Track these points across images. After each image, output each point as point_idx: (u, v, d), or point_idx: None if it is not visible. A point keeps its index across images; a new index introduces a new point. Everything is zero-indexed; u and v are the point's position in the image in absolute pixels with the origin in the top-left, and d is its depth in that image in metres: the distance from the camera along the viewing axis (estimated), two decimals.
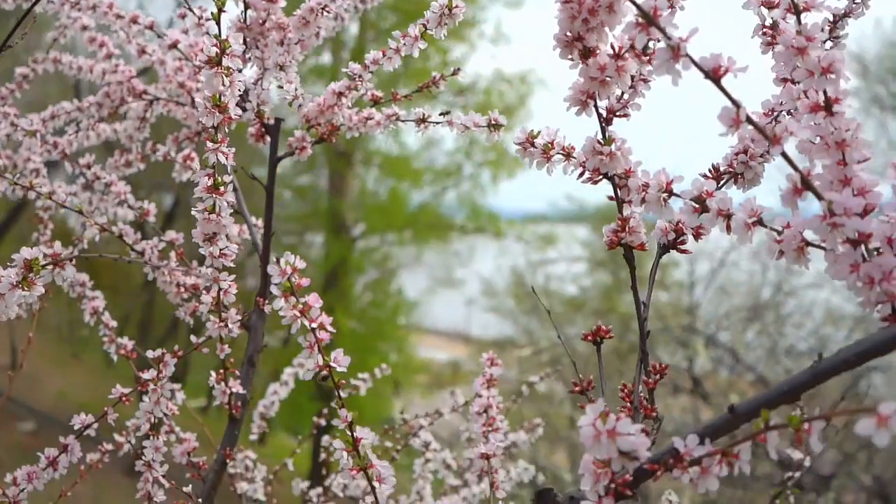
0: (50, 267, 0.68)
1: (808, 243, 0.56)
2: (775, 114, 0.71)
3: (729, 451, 0.51)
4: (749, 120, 0.52)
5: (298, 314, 0.63)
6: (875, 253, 0.53)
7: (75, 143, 1.28)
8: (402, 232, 12.57)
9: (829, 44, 0.74)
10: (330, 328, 0.65)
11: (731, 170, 0.71)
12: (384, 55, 0.93)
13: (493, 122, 0.85)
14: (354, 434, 0.67)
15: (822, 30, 0.75)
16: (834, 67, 0.54)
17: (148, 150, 1.24)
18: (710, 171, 0.71)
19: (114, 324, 1.12)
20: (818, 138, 0.56)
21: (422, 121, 0.98)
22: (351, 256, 11.72)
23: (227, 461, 1.01)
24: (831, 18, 0.74)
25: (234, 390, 0.99)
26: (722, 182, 0.71)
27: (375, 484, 0.66)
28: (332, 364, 0.65)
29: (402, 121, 1.00)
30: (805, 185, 0.53)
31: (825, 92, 0.55)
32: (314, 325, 0.64)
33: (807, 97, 0.57)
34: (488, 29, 10.83)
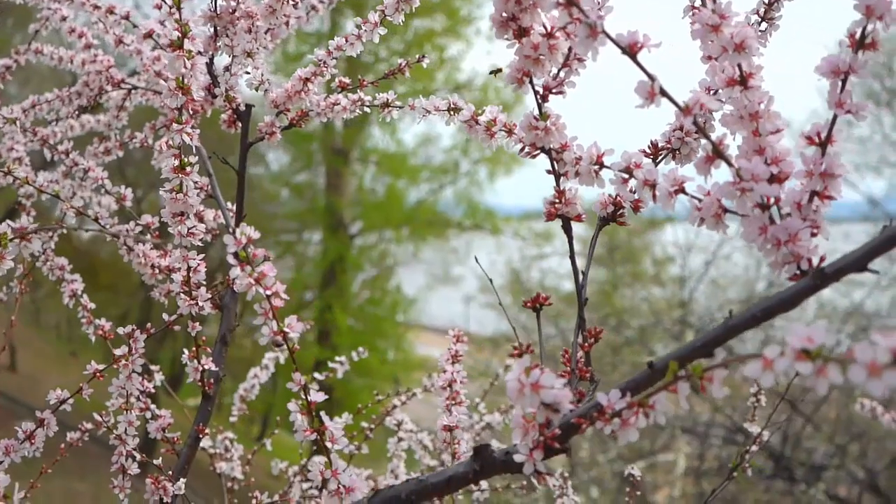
0: (17, 240, 0.72)
1: (726, 210, 0.59)
2: (711, 92, 0.74)
3: (645, 401, 0.55)
4: (663, 92, 0.55)
5: (254, 282, 0.67)
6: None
7: (60, 134, 1.32)
8: (399, 229, 12.60)
9: (763, 24, 0.77)
10: (284, 296, 0.68)
11: (668, 146, 0.74)
12: (346, 41, 0.97)
13: (452, 106, 0.88)
14: (309, 397, 0.70)
15: (757, 12, 0.78)
16: (746, 43, 0.57)
17: (126, 138, 1.27)
18: (648, 147, 0.75)
19: (92, 305, 1.15)
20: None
21: (385, 105, 1.01)
22: (349, 254, 11.76)
23: (200, 436, 1.04)
24: (766, 0, 0.77)
25: (206, 367, 1.03)
26: (660, 157, 0.75)
27: (328, 444, 0.70)
28: (286, 330, 0.68)
29: (368, 106, 1.03)
30: (716, 153, 0.56)
31: (740, 66, 0.58)
32: (269, 292, 0.67)
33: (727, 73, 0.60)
34: (484, 26, 10.86)
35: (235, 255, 0.67)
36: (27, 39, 1.37)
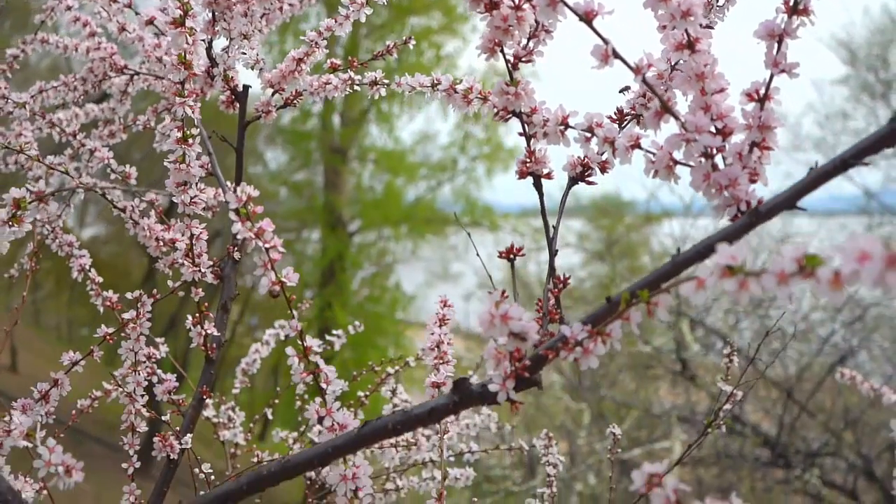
0: (35, 203, 0.78)
1: (676, 161, 0.66)
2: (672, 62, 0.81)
3: (603, 330, 0.61)
4: (616, 54, 0.62)
5: (254, 236, 0.73)
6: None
7: (65, 121, 1.38)
8: (398, 227, 12.66)
9: (721, 1, 0.84)
10: (281, 249, 0.75)
11: (633, 112, 0.81)
12: (336, 21, 1.03)
13: (435, 81, 0.95)
14: (305, 343, 0.77)
15: None
16: (692, 11, 0.64)
17: (129, 122, 1.33)
18: (614, 112, 0.81)
19: (99, 279, 1.22)
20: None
21: (374, 83, 1.08)
22: (348, 252, 11.82)
23: (204, 397, 1.11)
24: None
25: (209, 332, 1.09)
26: (625, 122, 0.81)
27: (323, 385, 0.76)
28: (284, 279, 0.75)
29: (358, 84, 1.09)
30: (664, 108, 0.63)
31: (687, 32, 0.65)
32: (267, 245, 0.74)
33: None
34: (481, 24, 10.91)
35: (237, 210, 0.73)
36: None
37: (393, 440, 1.28)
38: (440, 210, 12.86)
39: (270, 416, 1.51)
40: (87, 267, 1.24)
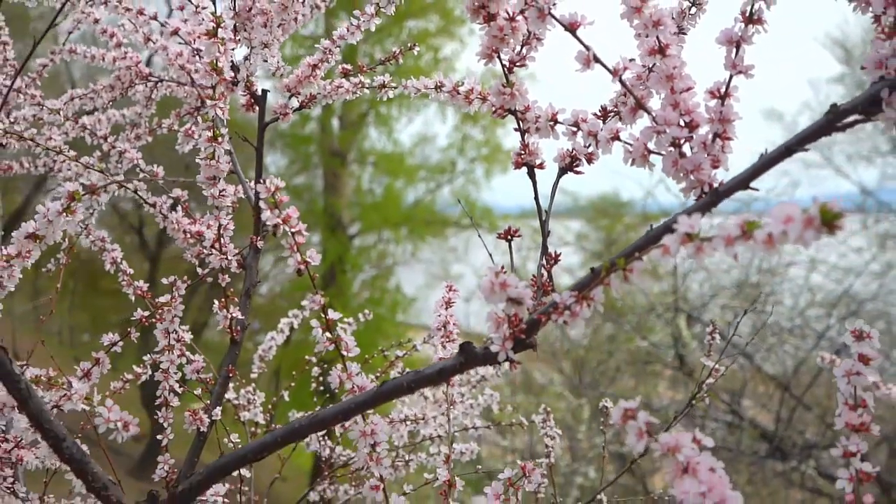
0: (88, 195, 0.88)
1: (650, 151, 0.76)
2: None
3: (587, 295, 0.71)
4: (596, 59, 0.72)
5: (281, 221, 0.84)
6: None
7: (91, 125, 1.49)
8: (397, 229, 12.76)
9: (693, 9, 0.94)
10: (305, 233, 0.85)
11: (615, 109, 0.91)
12: (348, 30, 1.14)
13: (438, 84, 1.05)
14: (328, 316, 0.87)
15: None
16: (662, 21, 0.74)
17: (154, 125, 1.44)
18: (599, 110, 0.92)
19: (131, 271, 1.32)
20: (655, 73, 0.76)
21: (382, 86, 1.18)
22: (348, 254, 11.91)
23: (230, 375, 1.21)
24: None
25: (234, 316, 1.19)
26: (609, 118, 0.91)
27: (344, 352, 0.87)
28: (308, 259, 0.85)
29: (367, 87, 1.20)
30: (638, 105, 0.73)
31: (658, 39, 0.75)
32: (294, 230, 0.84)
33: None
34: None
35: (265, 200, 0.84)
36: (24, 48, 1.56)
37: (403, 415, 1.38)
38: (439, 212, 12.96)
39: (287, 397, 1.61)
40: (119, 260, 1.34)
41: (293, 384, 1.69)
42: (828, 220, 0.48)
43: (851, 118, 0.66)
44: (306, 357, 1.64)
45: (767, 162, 0.67)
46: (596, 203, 11.45)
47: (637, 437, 0.61)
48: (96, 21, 1.45)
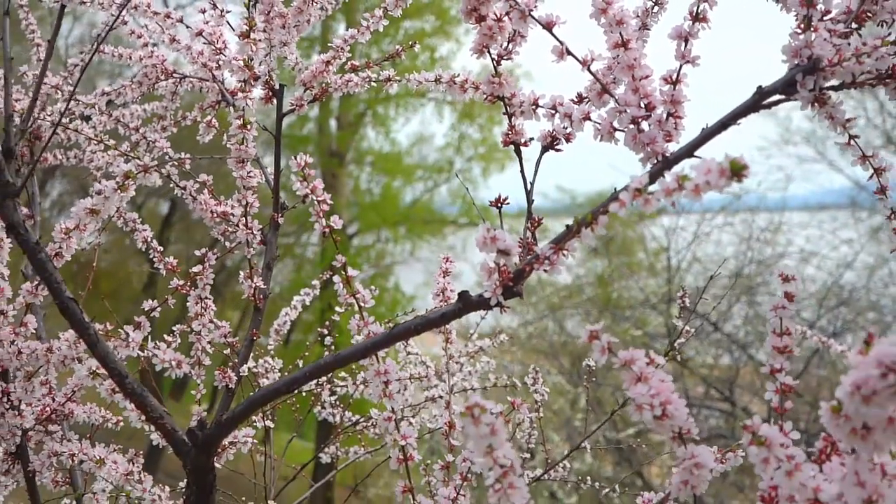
0: (142, 173, 1.04)
1: (615, 128, 0.92)
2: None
3: (563, 246, 0.86)
4: (568, 52, 0.87)
5: (309, 192, 0.99)
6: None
7: (134, 118, 1.64)
8: (396, 228, 12.91)
9: (655, 7, 1.10)
10: (329, 202, 1.00)
11: (587, 95, 1.06)
12: (358, 31, 1.29)
13: (437, 77, 1.20)
14: (347, 272, 1.02)
15: None
16: (624, 20, 0.90)
17: (179, 117, 1.59)
18: (576, 95, 1.07)
19: (161, 248, 1.47)
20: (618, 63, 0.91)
21: (388, 80, 1.34)
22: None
23: (255, 338, 1.36)
24: None
25: (257, 285, 1.35)
26: (583, 103, 1.06)
27: (361, 303, 1.02)
28: (332, 224, 1.01)
29: (374, 82, 1.35)
30: (604, 90, 0.88)
31: (621, 35, 0.90)
32: (320, 199, 0.99)
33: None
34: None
35: (296, 173, 0.99)
36: (24, 53, 1.72)
37: (407, 374, 1.53)
38: (438, 211, 13.10)
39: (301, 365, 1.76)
40: (150, 238, 1.49)
41: (307, 353, 1.84)
42: (736, 171, 0.64)
43: (775, 98, 0.81)
44: (318, 329, 1.79)
45: (707, 135, 0.83)
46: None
47: (600, 353, 0.76)
48: (124, 23, 1.60)
